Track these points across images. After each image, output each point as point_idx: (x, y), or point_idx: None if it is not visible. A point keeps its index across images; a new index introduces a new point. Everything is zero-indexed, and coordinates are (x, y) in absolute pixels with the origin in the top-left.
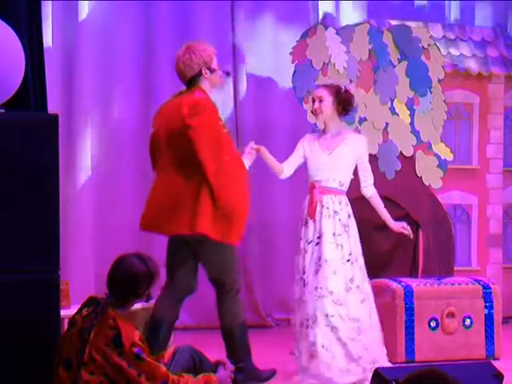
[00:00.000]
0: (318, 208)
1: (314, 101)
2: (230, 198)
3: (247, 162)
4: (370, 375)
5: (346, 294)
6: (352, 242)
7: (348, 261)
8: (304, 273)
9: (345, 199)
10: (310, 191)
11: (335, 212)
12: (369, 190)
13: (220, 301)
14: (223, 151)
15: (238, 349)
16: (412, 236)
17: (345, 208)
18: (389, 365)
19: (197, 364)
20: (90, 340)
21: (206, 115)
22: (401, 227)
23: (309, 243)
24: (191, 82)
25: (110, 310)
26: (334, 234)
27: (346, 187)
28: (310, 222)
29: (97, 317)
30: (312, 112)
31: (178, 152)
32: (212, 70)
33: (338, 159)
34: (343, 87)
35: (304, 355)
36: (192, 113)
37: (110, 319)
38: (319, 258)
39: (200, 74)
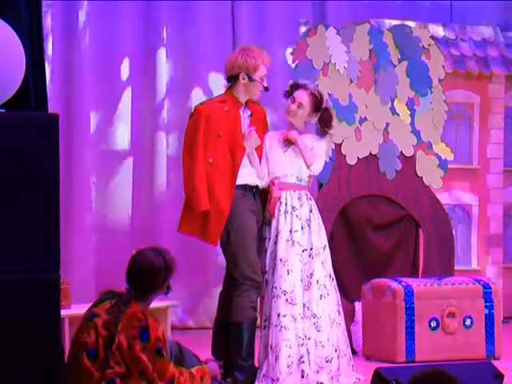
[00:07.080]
0: (277, 205)
1: (293, 100)
2: (199, 200)
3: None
4: (324, 376)
5: (303, 292)
6: (314, 237)
7: (309, 256)
8: (265, 273)
9: (305, 194)
10: (269, 189)
11: (293, 208)
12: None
13: (232, 295)
14: (198, 155)
15: (242, 346)
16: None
17: (306, 203)
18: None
19: (185, 358)
20: (118, 332)
21: (191, 120)
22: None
23: (268, 241)
24: (229, 81)
25: (134, 304)
26: (290, 231)
27: (305, 182)
28: (273, 220)
29: (121, 310)
30: (286, 110)
31: None
32: (251, 80)
33: (295, 154)
34: (325, 103)
35: (260, 356)
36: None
37: (138, 312)
38: (275, 257)
39: (238, 77)
